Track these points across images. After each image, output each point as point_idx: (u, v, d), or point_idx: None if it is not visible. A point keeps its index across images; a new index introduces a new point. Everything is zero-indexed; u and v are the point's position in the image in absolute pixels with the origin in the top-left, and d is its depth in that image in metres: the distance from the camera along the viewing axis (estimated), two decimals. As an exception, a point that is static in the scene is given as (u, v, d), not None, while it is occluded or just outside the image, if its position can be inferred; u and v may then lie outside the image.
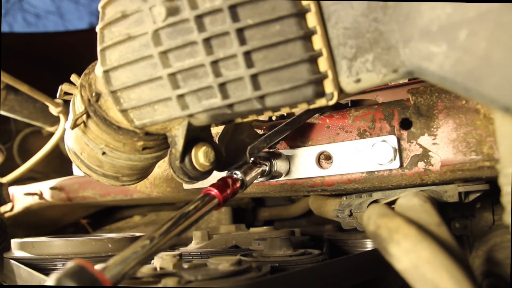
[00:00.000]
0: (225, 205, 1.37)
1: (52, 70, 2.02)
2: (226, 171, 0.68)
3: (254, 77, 0.51)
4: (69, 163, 0.75)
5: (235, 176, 0.66)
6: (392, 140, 0.70)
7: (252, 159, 0.73)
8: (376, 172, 0.72)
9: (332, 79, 0.50)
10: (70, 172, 0.96)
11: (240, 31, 0.50)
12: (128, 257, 0.51)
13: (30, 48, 2.16)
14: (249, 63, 0.51)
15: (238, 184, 0.66)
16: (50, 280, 0.45)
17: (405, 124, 0.71)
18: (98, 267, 0.47)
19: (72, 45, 2.23)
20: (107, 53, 0.58)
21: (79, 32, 2.71)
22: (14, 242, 0.95)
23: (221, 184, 0.63)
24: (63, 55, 2.13)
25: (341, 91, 0.52)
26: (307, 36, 0.49)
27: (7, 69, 1.38)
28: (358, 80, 0.50)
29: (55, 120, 1.66)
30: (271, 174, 0.78)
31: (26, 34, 2.94)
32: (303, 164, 0.78)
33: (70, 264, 0.46)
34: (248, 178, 0.67)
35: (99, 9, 0.58)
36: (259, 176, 0.73)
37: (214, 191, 0.62)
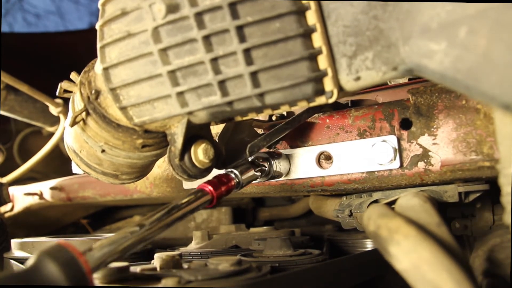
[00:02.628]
0: (225, 205, 1.38)
1: (52, 70, 2.01)
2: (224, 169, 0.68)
3: (253, 75, 0.51)
4: (69, 163, 0.75)
5: (231, 174, 0.66)
6: (392, 140, 0.70)
7: (251, 158, 0.73)
8: (376, 172, 0.72)
9: (332, 76, 0.50)
10: (70, 172, 0.96)
11: (239, 29, 0.49)
12: (116, 241, 0.50)
13: (30, 48, 2.16)
14: (249, 61, 0.50)
15: (233, 183, 0.66)
16: (32, 258, 0.45)
17: (405, 124, 0.70)
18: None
19: (72, 45, 2.23)
20: (106, 50, 0.58)
21: (79, 32, 2.71)
22: (14, 242, 0.95)
23: (215, 181, 0.63)
24: (63, 55, 2.13)
25: (340, 89, 0.52)
26: (307, 34, 0.49)
27: (7, 69, 1.39)
28: (358, 78, 0.50)
29: (55, 120, 1.66)
30: (271, 174, 0.78)
31: (26, 34, 2.95)
32: (303, 164, 0.78)
33: (51, 244, 0.46)
34: (244, 177, 0.67)
35: (99, 6, 0.58)
36: (257, 176, 0.73)
37: (208, 187, 0.62)
